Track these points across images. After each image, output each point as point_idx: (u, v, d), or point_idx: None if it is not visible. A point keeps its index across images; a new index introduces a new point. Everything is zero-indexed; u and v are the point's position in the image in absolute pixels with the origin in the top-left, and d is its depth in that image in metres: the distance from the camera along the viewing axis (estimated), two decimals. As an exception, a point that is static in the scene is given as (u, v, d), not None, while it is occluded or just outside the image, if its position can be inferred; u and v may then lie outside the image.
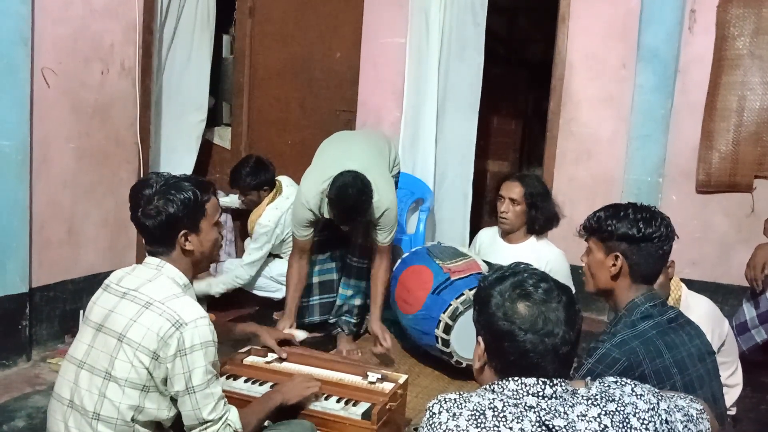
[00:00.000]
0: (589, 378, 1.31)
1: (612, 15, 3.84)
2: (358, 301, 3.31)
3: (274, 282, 3.74)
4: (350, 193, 2.75)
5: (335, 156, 3.02)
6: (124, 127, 3.39)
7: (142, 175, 3.45)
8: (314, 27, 4.36)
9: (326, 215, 2.95)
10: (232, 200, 4.07)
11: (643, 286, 1.76)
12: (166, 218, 1.65)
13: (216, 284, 3.72)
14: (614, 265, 1.74)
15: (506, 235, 3.21)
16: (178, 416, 1.64)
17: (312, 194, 2.93)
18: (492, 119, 6.24)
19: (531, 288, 1.18)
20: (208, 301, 3.70)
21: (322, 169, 2.97)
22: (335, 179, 2.80)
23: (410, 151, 4.13)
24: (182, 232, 1.68)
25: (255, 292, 3.80)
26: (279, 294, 3.77)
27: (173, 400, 1.62)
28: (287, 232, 3.64)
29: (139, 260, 3.32)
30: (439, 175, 4.15)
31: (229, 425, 1.63)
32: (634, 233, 1.75)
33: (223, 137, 4.60)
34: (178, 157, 4.01)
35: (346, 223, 2.94)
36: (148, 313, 1.59)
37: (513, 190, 3.11)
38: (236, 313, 3.83)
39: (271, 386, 2.12)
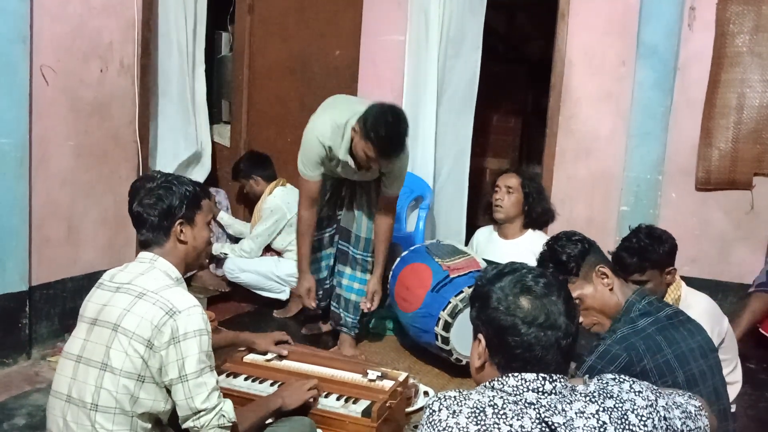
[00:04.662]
0: (587, 375, 1.31)
1: (611, 12, 3.84)
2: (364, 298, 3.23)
3: (280, 283, 3.75)
4: (390, 121, 2.59)
5: (347, 100, 2.86)
6: (123, 125, 3.38)
7: (141, 173, 3.44)
8: (313, 24, 4.35)
9: (340, 155, 2.76)
10: (239, 226, 4.12)
11: (624, 282, 1.84)
12: (168, 206, 1.71)
13: (224, 246, 3.86)
14: (605, 277, 1.80)
15: (501, 227, 3.23)
16: (175, 412, 1.64)
17: (328, 127, 2.72)
18: (491, 117, 6.24)
19: (531, 282, 1.20)
20: (207, 300, 3.71)
21: (338, 107, 2.78)
22: (369, 110, 2.62)
23: (409, 148, 4.12)
24: (179, 221, 1.73)
25: (260, 293, 3.81)
26: (284, 295, 3.78)
27: (169, 392, 1.62)
28: (295, 212, 3.65)
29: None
30: (437, 171, 4.16)
31: (223, 416, 1.63)
32: (583, 247, 1.83)
33: (222, 135, 4.60)
34: (181, 157, 4.02)
35: (385, 155, 2.69)
36: (142, 302, 1.60)
37: (509, 180, 3.20)
38: (237, 311, 3.84)
39: (271, 384, 2.12)
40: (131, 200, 1.74)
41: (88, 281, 3.18)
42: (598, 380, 1.19)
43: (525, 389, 1.13)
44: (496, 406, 1.10)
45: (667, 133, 3.76)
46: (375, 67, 4.26)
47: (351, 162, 2.84)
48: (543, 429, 1.08)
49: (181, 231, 1.74)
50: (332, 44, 4.34)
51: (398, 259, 3.29)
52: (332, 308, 3.25)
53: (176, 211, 1.72)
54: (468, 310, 2.71)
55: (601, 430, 1.09)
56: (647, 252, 2.27)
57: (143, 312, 1.58)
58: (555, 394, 1.13)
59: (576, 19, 3.88)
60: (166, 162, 3.88)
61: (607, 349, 1.65)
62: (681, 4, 3.67)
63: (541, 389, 1.13)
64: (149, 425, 1.63)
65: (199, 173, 4.07)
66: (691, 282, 2.54)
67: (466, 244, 3.60)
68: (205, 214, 1.80)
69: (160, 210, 1.71)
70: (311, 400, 2.00)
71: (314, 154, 2.83)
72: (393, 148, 2.69)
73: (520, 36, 6.32)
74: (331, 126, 2.76)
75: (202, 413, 1.61)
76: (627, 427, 1.10)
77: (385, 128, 2.61)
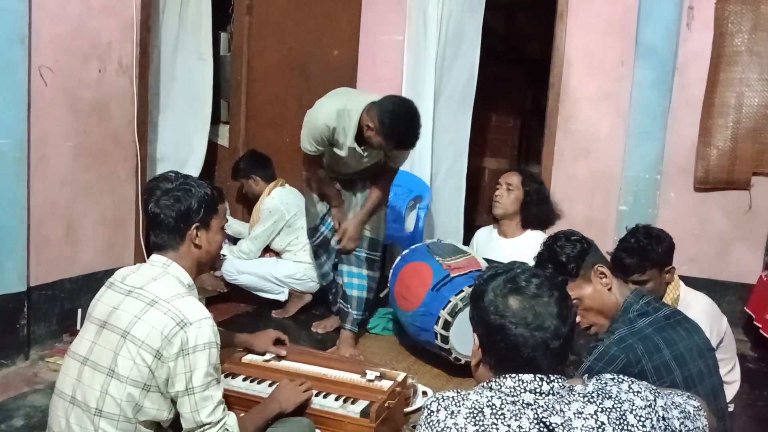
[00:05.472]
0: (586, 375, 1.31)
1: (610, 12, 3.84)
2: (366, 293, 3.25)
3: (279, 285, 3.74)
4: (403, 114, 2.72)
5: (354, 91, 2.99)
6: (122, 125, 3.38)
7: (140, 174, 3.44)
8: (312, 24, 4.35)
9: (348, 142, 2.88)
10: (238, 226, 4.14)
11: (623, 282, 1.83)
12: (186, 208, 1.69)
13: (223, 247, 3.81)
14: (604, 277, 1.79)
15: (500, 225, 3.25)
16: (176, 417, 1.64)
17: (334, 111, 2.84)
18: (490, 116, 6.25)
19: (523, 283, 1.19)
20: (205, 300, 3.70)
21: (346, 94, 2.95)
22: (383, 103, 2.78)
23: (408, 147, 4.14)
24: (195, 225, 1.71)
25: (259, 294, 3.80)
26: (282, 296, 3.77)
27: (173, 402, 1.62)
28: (294, 213, 3.72)
29: (138, 258, 3.33)
30: (435, 170, 4.16)
31: (227, 430, 1.63)
32: (582, 247, 1.82)
33: (221, 135, 4.60)
34: (181, 156, 4.02)
35: (402, 149, 2.92)
36: (153, 311, 1.59)
37: (510, 177, 3.23)
38: (235, 311, 3.83)
39: (270, 385, 2.12)
40: (147, 200, 1.72)
41: (86, 282, 3.18)
42: (596, 380, 1.19)
43: (522, 390, 1.13)
44: (494, 407, 1.10)
45: (666, 133, 3.76)
46: (374, 66, 4.26)
47: (358, 148, 2.93)
48: (541, 429, 1.08)
49: (197, 235, 1.72)
50: (331, 44, 4.34)
51: (398, 258, 3.29)
52: (340, 305, 3.28)
53: (194, 214, 1.70)
54: (468, 309, 2.72)
55: (600, 430, 1.09)
56: (646, 251, 2.27)
57: (154, 321, 1.57)
58: (553, 394, 1.13)
59: (575, 19, 3.89)
60: (166, 161, 3.89)
61: (606, 350, 1.64)
62: (680, 4, 3.67)
63: (538, 390, 1.13)
64: (151, 431, 1.63)
65: (190, 172, 4.08)
66: (690, 282, 2.54)
67: (465, 243, 3.60)
68: (221, 218, 1.79)
69: (177, 212, 1.68)
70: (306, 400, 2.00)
71: (318, 134, 2.93)
72: (411, 142, 2.86)
73: (519, 36, 6.33)
74: (337, 110, 2.86)
75: (206, 427, 1.60)
76: (625, 427, 1.10)
77: (404, 125, 2.75)
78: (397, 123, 2.74)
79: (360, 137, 2.91)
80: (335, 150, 3.01)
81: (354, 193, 3.28)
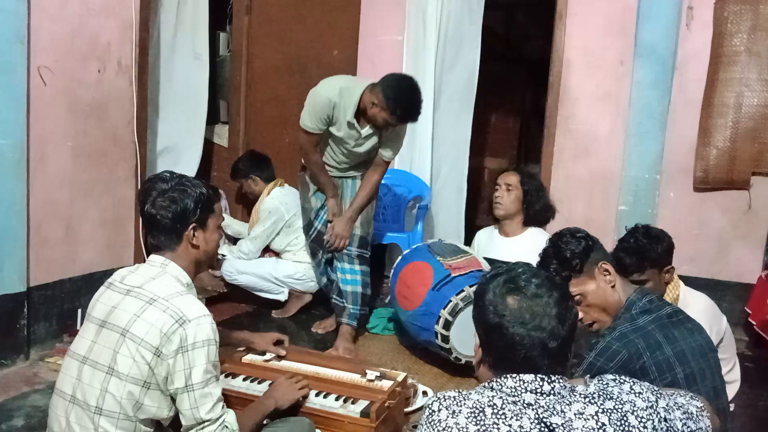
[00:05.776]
0: (588, 376, 1.31)
1: (609, 11, 3.84)
2: (361, 289, 3.27)
3: (279, 285, 3.74)
4: (406, 87, 2.85)
5: (355, 77, 3.08)
6: (122, 125, 3.38)
7: (139, 174, 3.45)
8: (311, 24, 4.35)
9: (348, 117, 2.97)
10: (237, 226, 4.13)
11: (627, 281, 1.85)
12: (182, 209, 1.69)
13: (222, 247, 3.83)
14: (608, 274, 1.80)
15: (501, 225, 3.27)
16: (176, 415, 1.64)
17: (337, 87, 2.97)
18: (490, 116, 6.25)
19: (523, 282, 1.20)
20: (205, 300, 3.70)
21: (347, 77, 3.07)
22: (385, 79, 2.91)
23: (407, 148, 4.12)
24: (192, 225, 1.71)
25: (258, 294, 3.80)
26: (282, 296, 3.77)
27: (173, 400, 1.62)
28: (293, 213, 3.70)
29: (137, 259, 3.32)
30: (435, 171, 4.16)
31: (227, 427, 1.63)
32: (586, 244, 1.84)
33: (220, 135, 4.60)
34: (179, 156, 4.02)
35: (406, 122, 3.00)
36: (152, 309, 1.59)
37: (509, 177, 3.26)
38: (235, 311, 3.83)
39: (270, 384, 2.12)
40: (143, 201, 1.72)
41: (86, 282, 3.18)
42: (598, 381, 1.19)
43: (523, 390, 1.13)
44: (495, 406, 1.10)
45: (666, 133, 3.76)
46: (373, 67, 4.25)
47: (356, 124, 3.02)
48: (542, 429, 1.08)
49: (194, 235, 1.72)
50: (330, 44, 4.34)
51: (399, 257, 3.30)
52: (335, 301, 3.30)
53: (190, 214, 1.70)
54: (468, 308, 2.74)
55: (600, 431, 1.09)
56: (645, 251, 2.27)
57: (153, 319, 1.57)
58: (553, 395, 1.13)
59: (574, 18, 3.89)
60: (163, 161, 3.89)
61: (607, 345, 1.65)
62: (679, 3, 3.67)
63: (539, 390, 1.13)
64: (151, 429, 1.64)
65: (187, 171, 4.08)
66: (690, 281, 2.54)
67: (466, 243, 3.61)
68: (217, 217, 1.79)
69: (174, 213, 1.68)
70: (301, 398, 2.00)
71: (319, 108, 3.00)
72: (415, 115, 2.95)
73: (519, 35, 6.33)
74: (340, 87, 2.99)
75: (206, 424, 1.60)
76: (626, 428, 1.10)
77: (408, 98, 2.87)
78: (401, 96, 2.86)
79: (359, 118, 3.00)
80: (333, 131, 3.05)
81: (345, 190, 3.32)
